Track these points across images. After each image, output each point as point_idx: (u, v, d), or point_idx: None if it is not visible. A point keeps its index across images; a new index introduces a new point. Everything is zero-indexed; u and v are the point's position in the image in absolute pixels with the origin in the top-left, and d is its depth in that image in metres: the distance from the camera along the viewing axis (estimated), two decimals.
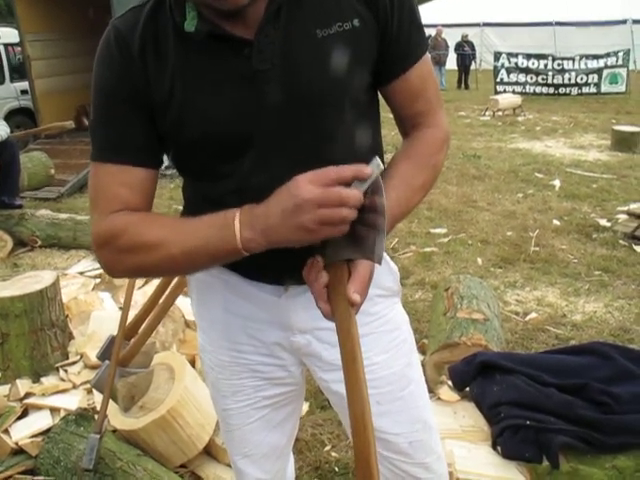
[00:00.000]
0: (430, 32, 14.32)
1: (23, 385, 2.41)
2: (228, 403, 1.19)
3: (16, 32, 7.78)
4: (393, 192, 0.94)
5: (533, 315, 3.23)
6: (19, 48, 8.21)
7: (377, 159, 0.82)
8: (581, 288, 3.58)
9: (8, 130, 5.16)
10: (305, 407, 2.34)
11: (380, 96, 1.06)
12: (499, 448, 1.77)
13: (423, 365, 2.42)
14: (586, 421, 1.72)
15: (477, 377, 2.00)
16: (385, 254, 1.11)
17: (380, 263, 0.86)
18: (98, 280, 3.41)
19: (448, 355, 2.36)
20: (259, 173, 0.94)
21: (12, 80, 8.76)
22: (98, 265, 4.02)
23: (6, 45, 8.78)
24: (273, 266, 1.00)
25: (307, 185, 0.80)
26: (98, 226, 0.95)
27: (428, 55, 1.05)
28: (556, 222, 4.74)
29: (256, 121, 0.92)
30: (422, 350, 2.71)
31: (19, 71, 8.72)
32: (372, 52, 0.96)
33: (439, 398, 2.06)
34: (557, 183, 5.95)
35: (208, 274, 1.10)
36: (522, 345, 2.91)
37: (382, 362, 1.12)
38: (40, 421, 2.24)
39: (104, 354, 2.00)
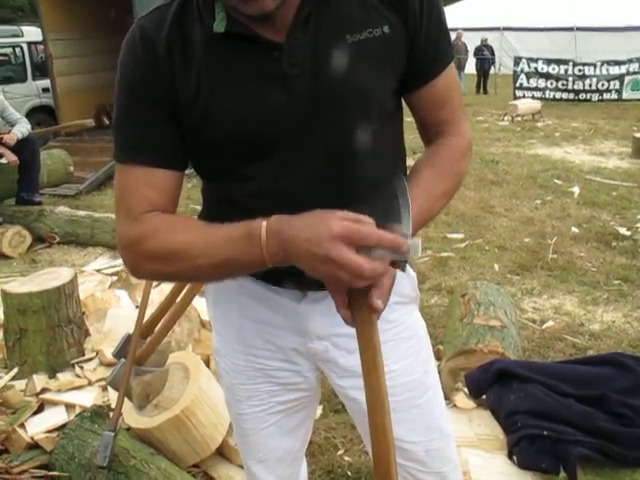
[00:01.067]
0: (451, 35, 14.24)
1: (39, 380, 2.43)
2: (243, 408, 1.18)
3: (39, 31, 7.89)
4: (415, 200, 0.92)
5: (550, 323, 3.19)
6: (42, 46, 8.33)
7: (418, 242, 0.80)
8: (600, 297, 3.53)
9: (29, 127, 5.23)
10: (319, 410, 2.33)
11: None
12: (515, 458, 1.75)
13: (439, 371, 2.40)
14: (605, 433, 1.70)
15: (494, 385, 1.98)
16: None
17: (404, 270, 0.85)
18: (115, 278, 3.43)
19: (464, 362, 2.34)
20: (283, 176, 0.94)
21: (34, 78, 8.89)
22: (115, 263, 4.05)
23: (29, 44, 8.92)
24: (293, 272, 0.99)
25: (339, 241, 0.76)
26: (125, 228, 0.94)
27: (453, 63, 1.05)
28: (575, 229, 4.69)
29: (283, 123, 0.92)
30: (437, 356, 2.68)
31: (41, 69, 8.85)
32: (401, 59, 0.96)
33: (455, 405, 2.05)
34: (576, 190, 5.88)
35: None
36: (539, 353, 2.87)
37: (400, 369, 1.11)
38: (55, 417, 2.26)
39: (120, 352, 2.01)
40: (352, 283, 0.79)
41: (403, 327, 1.13)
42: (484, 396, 2.03)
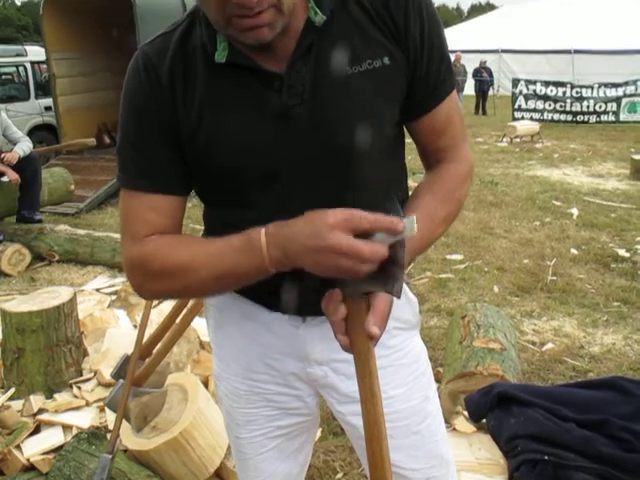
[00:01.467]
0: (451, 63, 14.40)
1: (36, 401, 2.41)
2: (242, 432, 1.18)
3: (43, 50, 7.97)
4: (420, 225, 0.94)
5: (550, 345, 3.18)
6: (44, 66, 8.41)
7: (413, 218, 0.80)
8: (599, 319, 3.53)
9: (31, 146, 5.26)
10: (317, 433, 2.32)
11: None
12: None
13: (438, 394, 2.39)
14: (606, 458, 1.68)
15: (494, 408, 1.97)
16: (405, 285, 1.11)
17: (399, 297, 0.85)
18: (114, 297, 3.43)
19: (463, 384, 2.33)
20: (284, 204, 0.94)
21: (37, 97, 8.96)
22: (114, 282, 4.05)
23: (33, 63, 9.01)
24: (292, 297, 0.99)
25: (336, 230, 0.78)
26: (129, 250, 0.96)
27: (455, 91, 1.05)
28: (574, 251, 4.70)
29: (283, 153, 0.92)
30: (437, 378, 2.67)
31: (44, 88, 8.93)
32: (401, 89, 0.96)
33: (454, 429, 2.03)
34: (575, 211, 5.91)
35: (226, 301, 1.10)
36: (539, 376, 2.86)
37: (399, 395, 1.10)
38: (52, 438, 2.24)
39: (118, 373, 2.00)
40: (355, 268, 0.79)
41: (403, 353, 1.12)
42: (484, 420, 2.02)
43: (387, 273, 0.82)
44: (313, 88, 0.91)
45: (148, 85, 0.93)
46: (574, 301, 3.77)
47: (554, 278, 4.14)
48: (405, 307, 1.12)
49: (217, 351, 1.19)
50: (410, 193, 1.08)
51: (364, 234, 0.79)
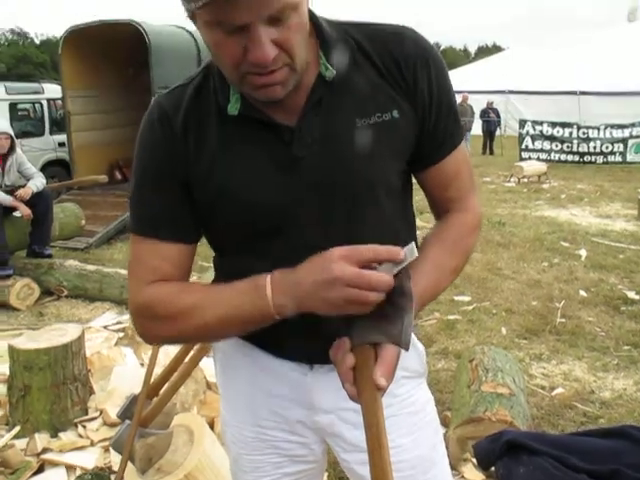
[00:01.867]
0: (456, 98, 14.61)
1: (41, 440, 2.41)
2: (248, 479, 1.17)
3: (59, 88, 8.17)
4: (424, 276, 0.94)
5: (560, 390, 3.14)
6: (60, 102, 8.61)
7: (413, 245, 0.83)
8: (610, 363, 3.48)
9: (45, 182, 5.35)
10: (324, 478, 2.28)
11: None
12: None
13: (446, 440, 2.36)
14: None
15: (503, 456, 1.94)
16: (414, 336, 1.11)
17: (407, 349, 0.86)
18: (121, 334, 3.43)
19: (472, 430, 2.30)
20: (293, 255, 0.94)
21: (51, 132, 9.15)
22: (122, 318, 4.06)
23: (49, 100, 9.23)
24: (300, 345, 1.00)
25: (340, 261, 0.81)
26: (135, 296, 0.98)
27: (463, 143, 1.07)
28: (583, 293, 4.67)
29: (293, 204, 0.94)
30: (445, 423, 2.64)
31: (58, 124, 9.13)
32: (410, 142, 0.98)
33: (463, 477, 2.00)
34: (583, 253, 5.89)
35: (234, 347, 1.11)
36: (549, 422, 2.82)
37: (406, 445, 1.09)
38: (56, 478, 2.23)
39: (125, 413, 1.99)
40: (363, 298, 0.80)
41: (410, 402, 1.12)
42: (493, 468, 1.99)
43: (396, 306, 0.83)
44: (322, 140, 0.93)
45: (162, 136, 0.95)
46: (584, 344, 3.73)
47: (563, 320, 4.11)
48: (412, 356, 1.11)
49: (224, 396, 1.20)
50: (417, 233, 1.10)
51: (368, 266, 0.81)
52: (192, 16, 0.84)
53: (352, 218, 0.97)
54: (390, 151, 0.97)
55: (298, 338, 0.98)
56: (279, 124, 0.93)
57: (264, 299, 0.86)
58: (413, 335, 1.12)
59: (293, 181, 0.94)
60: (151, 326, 0.97)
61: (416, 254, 0.82)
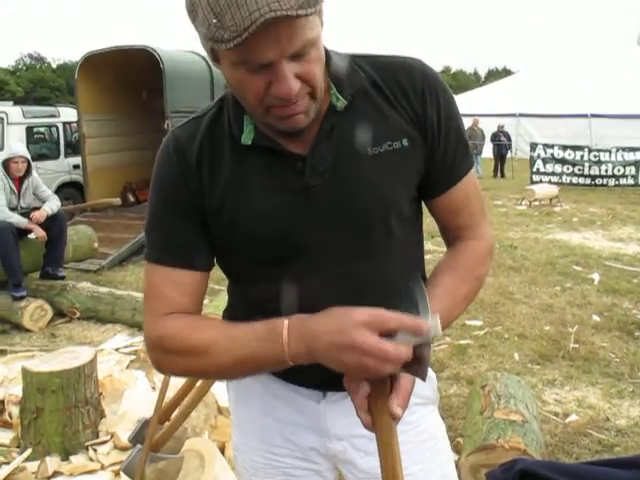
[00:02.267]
0: (467, 122, 14.69)
1: (52, 463, 2.41)
2: None
3: (74, 111, 8.31)
4: (437, 303, 0.95)
5: (574, 417, 3.10)
6: (74, 125, 8.75)
7: (437, 321, 0.81)
8: (625, 390, 3.44)
9: (59, 204, 5.41)
10: None
11: None
12: None
13: (458, 467, 2.33)
14: None
15: None
16: None
17: (425, 380, 0.86)
18: (133, 357, 3.44)
19: (484, 458, 2.27)
20: (306, 281, 0.97)
21: (66, 155, 9.28)
22: (134, 341, 4.07)
23: (64, 123, 9.38)
24: (314, 373, 1.00)
25: (362, 328, 0.80)
26: (149, 329, 0.99)
27: (473, 170, 1.08)
28: (596, 318, 4.63)
29: (305, 233, 0.96)
30: (456, 449, 2.61)
31: (73, 147, 9.26)
32: (419, 170, 1.00)
33: None
34: (596, 277, 5.84)
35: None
36: (563, 450, 2.78)
37: (417, 472, 1.09)
38: None
39: (136, 437, 1.99)
40: (378, 368, 0.80)
41: (421, 429, 1.12)
42: None
43: (410, 371, 0.84)
44: (334, 168, 0.95)
45: (177, 166, 0.98)
46: (597, 370, 3.69)
47: (576, 346, 4.07)
48: (424, 383, 1.12)
49: (236, 422, 1.20)
50: (428, 257, 1.11)
51: (388, 333, 0.80)
52: (216, 57, 0.87)
53: (364, 246, 0.98)
54: (401, 179, 0.98)
55: (312, 368, 0.99)
56: (292, 153, 0.95)
57: (280, 346, 0.86)
58: None
59: (305, 207, 0.95)
60: (166, 359, 0.98)
61: (440, 332, 0.81)
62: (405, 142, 0.97)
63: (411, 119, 0.98)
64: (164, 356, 0.97)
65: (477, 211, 1.08)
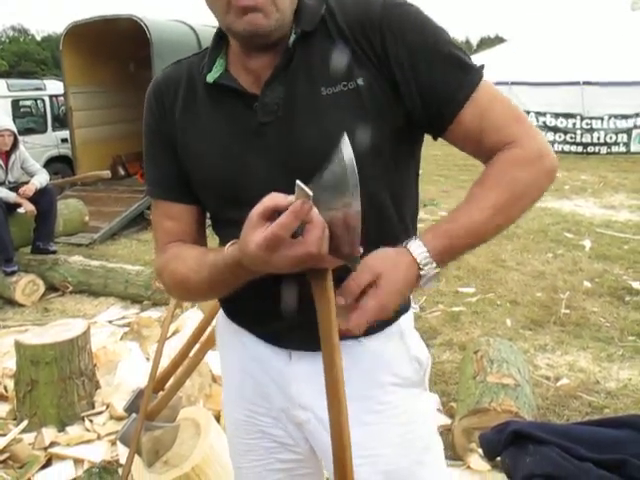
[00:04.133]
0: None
1: (48, 434, 2.42)
2: (242, 462, 1.18)
3: (61, 84, 8.16)
4: (461, 216, 0.91)
5: (565, 381, 3.13)
6: (62, 98, 8.61)
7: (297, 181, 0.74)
8: (614, 354, 3.48)
9: (48, 178, 5.35)
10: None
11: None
12: None
13: (452, 430, 2.36)
14: None
15: (509, 446, 1.94)
16: (410, 344, 1.07)
17: (356, 262, 0.80)
18: (126, 329, 3.44)
19: (477, 421, 2.31)
20: None
21: (54, 129, 9.15)
22: (127, 313, 4.07)
23: (51, 96, 9.23)
24: (280, 328, 1.02)
25: (263, 250, 0.77)
26: (154, 260, 1.10)
27: (483, 84, 0.95)
28: (587, 284, 4.66)
29: (259, 173, 0.96)
30: (450, 414, 2.65)
31: (60, 120, 9.12)
32: (385, 109, 0.93)
33: (469, 467, 2.00)
34: (587, 244, 5.87)
35: (230, 333, 1.13)
36: (554, 412, 2.82)
37: (387, 456, 1.05)
38: (63, 472, 2.24)
39: (131, 407, 2.00)
40: (288, 253, 0.76)
41: (399, 411, 1.06)
42: (499, 458, 1.99)
43: (340, 254, 0.78)
44: (287, 106, 0.94)
45: (156, 108, 1.05)
46: (588, 335, 3.73)
47: (567, 311, 4.10)
48: (404, 362, 1.07)
49: (223, 376, 1.23)
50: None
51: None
52: None
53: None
54: (358, 119, 0.92)
55: (276, 319, 1.00)
56: (250, 93, 0.96)
57: (231, 274, 0.90)
58: (410, 342, 1.08)
59: (258, 145, 0.96)
60: (167, 289, 1.08)
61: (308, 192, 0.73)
62: (360, 81, 0.93)
63: (370, 57, 0.93)
64: (166, 287, 1.07)
65: (505, 122, 0.95)
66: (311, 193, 0.73)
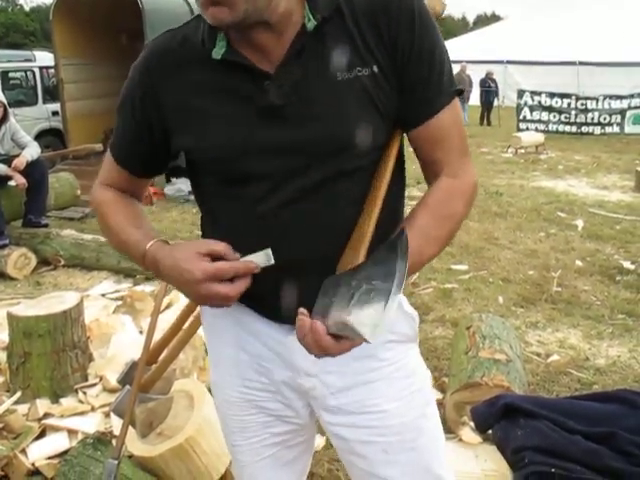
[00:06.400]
0: (455, 68, 14.44)
1: (42, 405, 2.42)
2: (237, 439, 1.18)
3: (51, 56, 8.03)
4: (411, 242, 0.92)
5: (555, 357, 3.17)
6: (53, 71, 8.47)
7: (268, 251, 0.92)
8: (604, 331, 3.52)
9: (39, 151, 5.29)
10: (322, 442, 2.32)
11: None
12: None
13: (443, 404, 2.39)
14: (614, 472, 1.68)
15: (500, 420, 1.96)
16: (403, 298, 1.10)
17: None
18: (119, 303, 3.44)
19: (469, 395, 2.33)
20: (265, 203, 0.96)
21: (44, 101, 9.01)
22: (120, 287, 4.07)
23: (41, 68, 9.07)
24: (279, 303, 1.02)
25: (203, 282, 0.91)
26: (93, 189, 1.17)
27: (456, 104, 1.02)
28: (579, 263, 4.70)
29: (267, 153, 0.94)
30: (442, 389, 2.67)
31: (51, 93, 8.98)
32: (392, 98, 0.96)
33: (460, 440, 2.03)
34: (580, 223, 5.90)
35: (220, 311, 1.10)
36: (544, 388, 2.85)
37: (392, 410, 1.08)
38: (57, 443, 2.24)
39: (125, 379, 2.00)
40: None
41: (398, 366, 1.09)
42: (490, 431, 2.02)
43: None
44: (301, 89, 0.93)
45: (142, 76, 1.02)
46: (579, 313, 3.76)
47: (559, 289, 4.14)
48: (401, 320, 1.10)
49: (212, 359, 1.21)
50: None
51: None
52: None
53: (325, 172, 0.96)
54: (368, 106, 0.95)
55: (276, 296, 1.00)
56: (261, 70, 0.93)
57: (142, 261, 1.02)
58: (404, 300, 1.12)
59: (268, 126, 0.94)
60: (98, 220, 1.17)
61: (272, 260, 0.92)
62: (375, 68, 0.94)
63: (384, 45, 0.94)
64: (98, 217, 1.16)
65: (457, 148, 1.02)
66: (263, 265, 0.93)
